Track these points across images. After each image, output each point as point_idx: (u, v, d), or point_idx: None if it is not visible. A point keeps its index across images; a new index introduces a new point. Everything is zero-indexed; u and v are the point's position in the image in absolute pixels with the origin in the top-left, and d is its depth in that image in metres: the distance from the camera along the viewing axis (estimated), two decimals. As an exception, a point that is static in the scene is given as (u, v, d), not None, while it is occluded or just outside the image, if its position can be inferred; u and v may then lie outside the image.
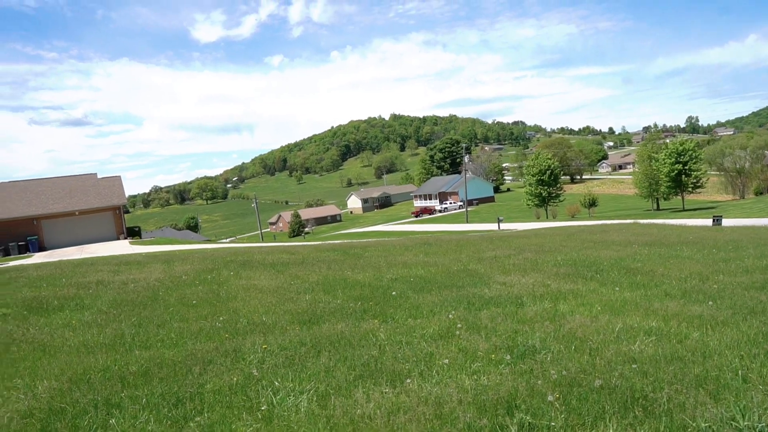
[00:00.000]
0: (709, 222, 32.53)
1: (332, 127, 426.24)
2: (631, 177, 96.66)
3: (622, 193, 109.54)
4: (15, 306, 10.31)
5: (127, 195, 45.36)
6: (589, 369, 5.12)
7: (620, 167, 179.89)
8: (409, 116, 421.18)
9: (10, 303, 10.67)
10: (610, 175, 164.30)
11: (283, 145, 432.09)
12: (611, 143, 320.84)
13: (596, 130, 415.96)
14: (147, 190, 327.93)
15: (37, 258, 29.83)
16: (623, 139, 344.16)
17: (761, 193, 73.77)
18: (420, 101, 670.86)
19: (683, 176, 66.93)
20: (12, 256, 35.27)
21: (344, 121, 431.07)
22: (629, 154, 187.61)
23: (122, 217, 42.63)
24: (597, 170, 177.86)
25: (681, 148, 67.61)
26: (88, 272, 15.32)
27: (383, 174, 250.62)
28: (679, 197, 71.09)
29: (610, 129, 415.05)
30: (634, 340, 6.00)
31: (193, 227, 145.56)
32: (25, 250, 37.84)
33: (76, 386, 5.37)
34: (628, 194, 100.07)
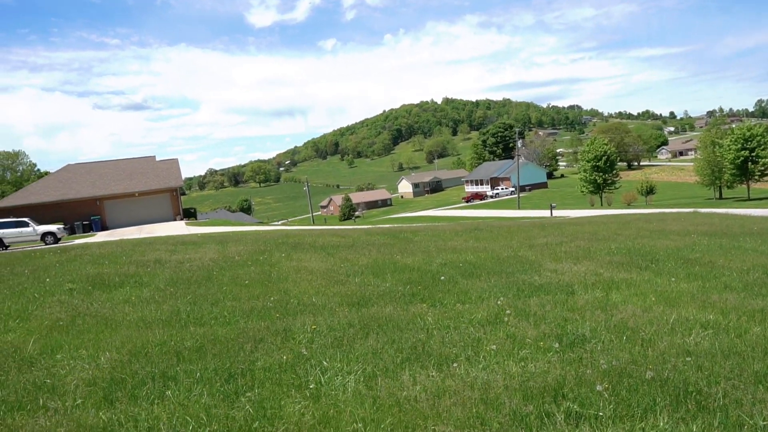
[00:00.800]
0: (776, 212, 30.93)
1: (384, 111, 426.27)
2: (692, 164, 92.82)
3: (682, 180, 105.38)
4: (80, 281, 10.85)
5: (183, 177, 46.81)
6: (640, 360, 5.00)
7: (681, 153, 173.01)
8: (461, 100, 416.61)
9: (76, 278, 11.23)
10: (669, 161, 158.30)
11: (335, 129, 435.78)
12: (672, 128, 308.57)
13: (656, 115, 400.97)
14: (202, 173, 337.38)
15: (100, 237, 31.26)
16: (685, 125, 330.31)
17: (835, 183, 69.47)
18: (473, 85, 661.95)
19: (750, 163, 63.81)
20: (77, 235, 37.08)
21: (396, 105, 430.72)
22: (691, 140, 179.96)
23: (179, 198, 44.07)
24: (656, 156, 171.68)
25: (748, 133, 64.40)
26: (146, 251, 15.95)
27: (434, 158, 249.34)
28: (745, 186, 67.87)
29: (672, 114, 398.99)
30: (690, 333, 5.81)
31: (246, 209, 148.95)
32: (88, 229, 39.70)
33: (135, 359, 5.64)
34: (689, 182, 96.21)
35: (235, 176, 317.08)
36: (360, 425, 3.91)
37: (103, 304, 8.68)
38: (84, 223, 39.79)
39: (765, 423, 3.77)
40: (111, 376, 5.13)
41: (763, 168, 64.21)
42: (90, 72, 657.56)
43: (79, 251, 17.05)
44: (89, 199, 41.03)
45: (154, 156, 48.71)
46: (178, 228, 33.59)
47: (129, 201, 42.43)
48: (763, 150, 63.63)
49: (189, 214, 45.99)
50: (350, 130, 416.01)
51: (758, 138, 63.71)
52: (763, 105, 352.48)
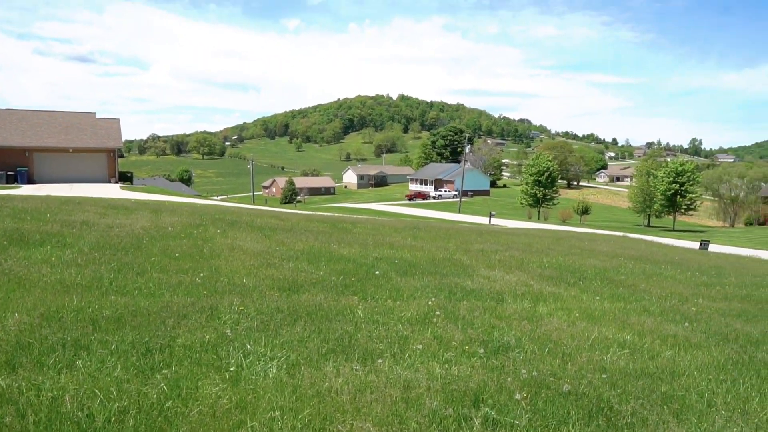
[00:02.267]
0: (696, 245, 32.75)
1: (339, 99, 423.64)
2: (627, 190, 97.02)
3: (616, 204, 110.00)
4: (-4, 235, 10.20)
5: (123, 139, 44.93)
6: (559, 373, 5.15)
7: (618, 179, 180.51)
8: (417, 99, 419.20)
9: (-8, 231, 10.55)
10: (607, 185, 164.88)
11: (288, 110, 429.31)
12: (612, 154, 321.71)
13: (600, 139, 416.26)
14: (144, 137, 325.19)
15: (25, 190, 29.59)
16: (625, 152, 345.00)
17: (751, 224, 74.30)
18: (431, 85, 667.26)
19: (678, 196, 67.31)
20: (0, 185, 34.96)
21: (351, 95, 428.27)
22: (629, 167, 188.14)
23: (116, 160, 42.31)
24: (595, 179, 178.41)
25: (680, 168, 67.91)
26: (74, 211, 15.19)
27: (383, 153, 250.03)
28: (671, 217, 71.50)
29: (614, 140, 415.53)
30: (608, 351, 6.04)
31: (186, 180, 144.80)
32: (13, 180, 37.54)
33: (47, 323, 5.33)
34: (622, 207, 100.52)
35: (178, 145, 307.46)
36: (277, 413, 3.83)
37: (19, 262, 8.17)
38: (9, 173, 37.56)
39: (666, 444, 3.95)
40: (17, 340, 4.82)
41: (689, 202, 67.86)
42: (34, 14, 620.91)
43: (0, 202, 16.05)
44: (17, 149, 38.73)
45: (95, 113, 46.40)
46: (112, 191, 32.22)
47: (62, 156, 40.34)
48: (691, 185, 67.26)
49: (125, 178, 44.21)
50: (302, 113, 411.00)
51: (689, 174, 67.29)
52: (696, 144, 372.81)
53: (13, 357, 4.48)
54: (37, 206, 15.50)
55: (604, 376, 5.15)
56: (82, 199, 20.66)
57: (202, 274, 8.31)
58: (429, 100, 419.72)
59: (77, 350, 4.72)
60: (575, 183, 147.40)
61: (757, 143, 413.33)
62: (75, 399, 3.79)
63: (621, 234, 36.24)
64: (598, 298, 9.44)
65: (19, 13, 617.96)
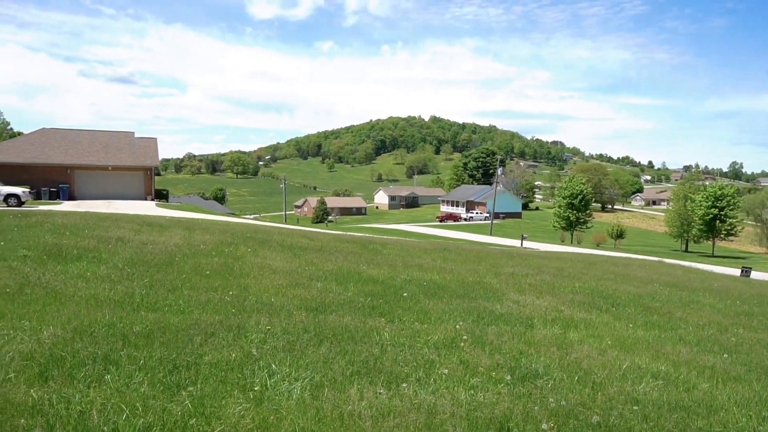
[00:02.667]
0: (737, 272, 31.74)
1: (371, 120, 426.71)
2: (663, 214, 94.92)
3: (652, 229, 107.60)
4: (36, 249, 10.52)
5: (160, 158, 46.06)
6: (588, 403, 5.01)
7: (654, 203, 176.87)
8: (449, 120, 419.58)
9: (32, 246, 10.89)
10: (642, 209, 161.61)
11: (320, 131, 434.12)
12: (648, 177, 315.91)
13: (635, 162, 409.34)
14: (180, 156, 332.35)
15: (66, 206, 30.49)
16: (661, 175, 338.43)
17: (796, 251, 71.73)
18: (462, 107, 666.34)
19: (717, 221, 65.51)
20: (43, 201, 36.13)
21: (384, 116, 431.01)
22: (665, 191, 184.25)
23: (153, 178, 43.32)
24: (630, 202, 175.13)
25: (720, 192, 66.19)
26: (111, 227, 15.58)
27: (414, 174, 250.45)
28: (710, 242, 69.58)
29: (650, 163, 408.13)
30: (640, 381, 5.85)
31: (220, 199, 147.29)
32: (56, 196, 38.73)
33: (79, 337, 5.44)
34: (658, 231, 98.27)
35: (213, 164, 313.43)
36: (299, 435, 3.81)
37: (56, 276, 8.40)
38: (52, 189, 38.78)
39: (701, 481, 3.79)
40: (50, 353, 4.94)
41: (729, 227, 65.96)
42: (80, 38, 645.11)
43: (41, 218, 16.57)
44: (60, 166, 40.02)
45: (134, 132, 47.82)
46: (148, 208, 32.96)
47: (101, 174, 41.52)
48: (731, 210, 65.41)
49: (161, 196, 45.22)
50: (335, 134, 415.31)
51: (728, 198, 65.51)
52: (736, 167, 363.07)
53: (46, 369, 4.58)
54: (76, 222, 15.95)
55: (635, 407, 4.98)
56: (119, 216, 21.18)
57: (231, 293, 8.40)
58: (461, 122, 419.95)
59: (107, 365, 4.79)
60: (610, 206, 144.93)
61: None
62: (102, 413, 3.84)
63: (657, 259, 35.38)
64: (631, 325, 9.19)
65: (66, 37, 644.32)
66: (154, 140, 47.02)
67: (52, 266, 9.20)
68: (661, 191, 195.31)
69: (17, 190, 29.20)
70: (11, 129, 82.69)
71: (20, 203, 28.37)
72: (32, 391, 4.11)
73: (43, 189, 38.18)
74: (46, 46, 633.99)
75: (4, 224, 14.27)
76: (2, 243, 10.99)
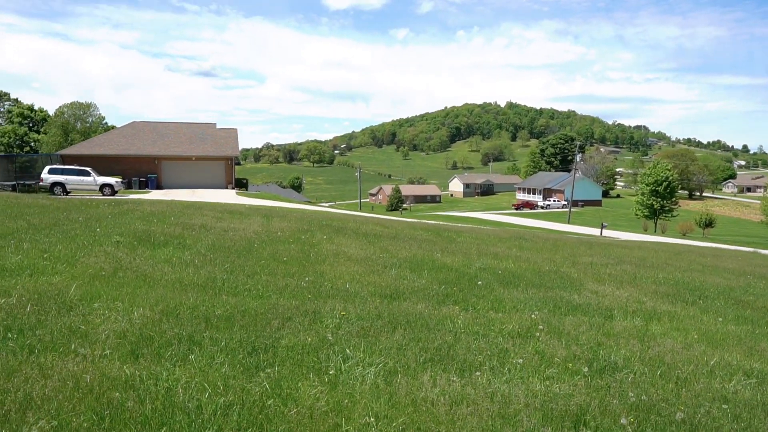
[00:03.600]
0: (843, 264, 29.22)
1: (446, 107, 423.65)
2: (759, 202, 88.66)
3: (746, 217, 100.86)
4: (127, 235, 11.19)
5: (240, 148, 47.74)
6: (672, 399, 4.78)
7: (749, 189, 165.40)
8: (525, 106, 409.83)
9: (124, 232, 11.60)
10: (735, 196, 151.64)
11: (395, 119, 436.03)
12: (743, 162, 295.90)
13: (728, 146, 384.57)
14: (259, 146, 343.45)
15: (154, 195, 32.27)
16: (758, 160, 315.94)
17: None
18: (540, 92, 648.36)
19: (821, 209, 60.46)
20: (133, 190, 38.41)
21: (458, 103, 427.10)
22: (761, 177, 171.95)
23: (233, 168, 45.01)
24: (721, 189, 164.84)
25: (824, 178, 61.04)
26: (194, 215, 16.33)
27: (490, 161, 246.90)
28: (812, 232, 64.41)
29: (744, 147, 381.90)
30: (731, 379, 5.52)
31: (297, 187, 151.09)
32: (144, 186, 41.05)
33: (166, 318, 5.76)
34: (753, 220, 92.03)
35: (290, 153, 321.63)
36: (372, 419, 3.87)
37: (145, 261, 8.92)
38: (141, 179, 41.15)
39: (798, 487, 3.54)
40: (141, 332, 5.26)
41: (835, 216, 60.75)
42: (167, 34, 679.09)
43: (132, 206, 17.61)
44: (149, 157, 42.36)
45: (215, 123, 49.84)
46: (229, 196, 34.32)
47: (186, 164, 43.59)
48: (838, 197, 60.15)
49: (241, 185, 46.92)
50: (409, 122, 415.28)
51: (835, 184, 60.27)
52: None
53: (136, 347, 4.89)
54: (162, 210, 16.84)
55: (725, 406, 4.71)
56: (202, 204, 22.18)
57: (307, 279, 8.61)
58: (538, 107, 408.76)
59: (191, 345, 5.05)
60: (698, 194, 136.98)
61: None
62: (187, 391, 4.06)
63: (751, 250, 33.15)
64: (720, 319, 8.68)
65: (154, 35, 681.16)
66: (234, 131, 48.80)
67: (142, 251, 9.77)
68: (757, 177, 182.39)
69: (111, 180, 31.21)
70: (106, 123, 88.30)
71: (113, 192, 30.32)
72: (125, 367, 4.40)
73: (133, 179, 40.58)
74: (137, 44, 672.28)
75: (100, 212, 15.28)
76: (98, 229, 11.77)
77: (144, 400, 3.87)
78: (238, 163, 48.82)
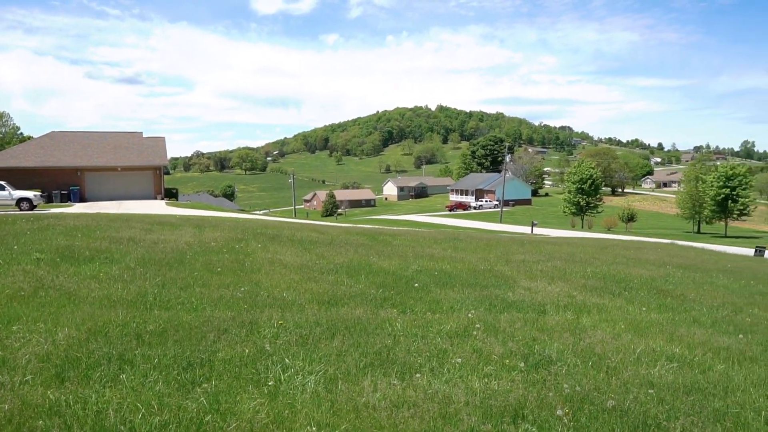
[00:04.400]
0: (750, 252, 31.47)
1: (378, 112, 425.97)
2: (674, 196, 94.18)
3: (664, 211, 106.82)
4: (49, 252, 10.61)
5: (169, 156, 46.29)
6: (603, 388, 4.99)
7: (665, 185, 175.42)
8: (455, 109, 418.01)
9: (45, 249, 10.99)
10: (653, 191, 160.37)
11: (327, 124, 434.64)
12: (659, 159, 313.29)
13: (645, 144, 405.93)
14: (189, 154, 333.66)
15: (77, 208, 30.74)
16: (672, 157, 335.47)
17: (810, 229, 70.99)
18: (469, 95, 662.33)
19: (730, 201, 64.89)
20: (54, 204, 36.44)
21: (390, 107, 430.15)
22: (676, 173, 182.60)
23: (162, 177, 43.55)
24: (640, 185, 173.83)
25: (731, 172, 65.55)
26: (122, 228, 15.68)
27: (422, 164, 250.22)
28: (723, 222, 68.99)
29: (660, 145, 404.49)
30: (655, 364, 5.82)
31: (229, 196, 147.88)
32: (66, 199, 39.04)
33: (94, 338, 5.49)
34: (670, 213, 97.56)
35: (221, 161, 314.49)
36: (314, 429, 3.83)
37: (69, 278, 8.47)
38: (62, 192, 39.10)
39: (719, 463, 3.77)
40: (66, 354, 4.98)
41: (742, 207, 65.33)
42: (86, 40, 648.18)
43: (53, 221, 16.71)
44: (70, 169, 40.32)
45: (141, 132, 48.03)
46: (158, 207, 33.16)
47: (111, 175, 41.80)
48: (743, 190, 64.77)
49: (170, 195, 45.45)
50: (342, 127, 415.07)
51: (740, 178, 64.86)
52: (748, 146, 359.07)
53: (62, 370, 4.63)
54: (87, 224, 16.07)
55: (651, 391, 4.96)
56: (130, 216, 21.33)
57: (243, 289, 8.43)
58: (468, 110, 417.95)
59: (122, 364, 4.83)
60: (620, 190, 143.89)
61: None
62: (118, 413, 3.88)
63: (669, 241, 35.13)
64: (644, 309, 9.14)
65: (73, 39, 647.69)
66: (162, 139, 47.22)
67: (65, 268, 9.28)
68: (672, 173, 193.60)
69: (29, 194, 29.45)
70: (21, 134, 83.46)
71: (32, 207, 28.63)
72: (49, 392, 4.16)
73: (54, 192, 38.51)
74: (54, 50, 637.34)
75: (17, 228, 14.41)
76: (16, 246, 11.10)
77: (71, 426, 3.67)
78: (167, 173, 47.31)
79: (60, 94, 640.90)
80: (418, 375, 5.01)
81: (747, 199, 65.61)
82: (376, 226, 33.90)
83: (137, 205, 34.69)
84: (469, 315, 7.59)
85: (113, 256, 10.79)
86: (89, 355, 5.00)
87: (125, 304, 7.04)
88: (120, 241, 12.74)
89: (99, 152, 43.00)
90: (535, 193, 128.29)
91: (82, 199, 39.74)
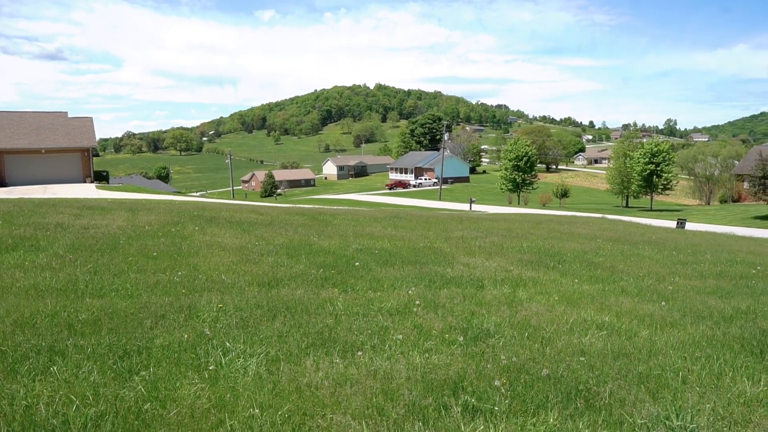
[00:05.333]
0: (673, 224, 33.27)
1: (316, 90, 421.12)
2: (605, 172, 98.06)
3: (595, 187, 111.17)
4: (-33, 240, 9.99)
5: (98, 138, 44.22)
6: (538, 357, 5.20)
7: (596, 161, 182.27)
8: (394, 88, 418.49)
9: (-37, 237, 10.34)
10: (585, 168, 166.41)
11: (264, 103, 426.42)
12: (590, 137, 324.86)
13: (577, 123, 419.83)
14: (120, 135, 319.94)
15: (-2, 193, 29.01)
16: (602, 134, 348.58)
17: (725, 201, 75.58)
18: (408, 74, 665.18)
19: (654, 177, 68.10)
20: (-29, 189, 34.23)
21: (328, 86, 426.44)
22: (606, 150, 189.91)
23: (90, 160, 41.62)
24: (573, 162, 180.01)
25: (656, 149, 68.67)
26: (48, 213, 14.93)
27: (362, 143, 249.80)
28: (648, 197, 72.45)
29: (591, 123, 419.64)
30: (586, 333, 6.11)
31: (164, 177, 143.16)
32: (-15, 183, 36.75)
33: (20, 330, 5.24)
34: (600, 189, 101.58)
35: (154, 142, 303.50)
36: (257, 411, 3.82)
37: (-9, 268, 8.02)
38: (-20, 177, 36.79)
39: (643, 422, 4.02)
40: (-10, 347, 4.74)
41: (665, 182, 68.74)
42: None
43: (-29, 207, 15.71)
44: (-13, 152, 37.93)
45: (66, 112, 45.52)
46: (87, 191, 31.72)
47: (34, 157, 39.57)
48: (667, 165, 68.09)
49: (100, 178, 43.55)
50: (279, 106, 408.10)
51: (663, 154, 68.09)
52: (671, 124, 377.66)
53: (-15, 366, 4.40)
54: (9, 210, 15.20)
55: (582, 358, 5.21)
56: (57, 200, 20.32)
57: (180, 273, 8.23)
58: (406, 89, 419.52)
59: (52, 356, 4.65)
60: (554, 167, 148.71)
61: (729, 122, 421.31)
62: (50, 406, 3.74)
63: (600, 216, 36.65)
64: (577, 281, 9.54)
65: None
66: (89, 119, 44.98)
67: (-13, 257, 8.77)
68: (602, 150, 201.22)
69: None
70: (-70, 114, 77.46)
71: (-53, 193, 26.82)
72: (-27, 388, 3.96)
73: (-30, 176, 36.18)
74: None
75: (-70, 216, 13.47)
76: (-71, 236, 10.40)
77: (-1, 421, 3.51)
78: (97, 155, 45.17)
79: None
80: (360, 353, 5.07)
81: (670, 175, 69.04)
82: (316, 206, 33.71)
83: (64, 189, 33.07)
84: (410, 292, 7.71)
85: (39, 243, 10.28)
86: (15, 348, 4.78)
87: (54, 293, 6.75)
88: (47, 228, 12.13)
89: (20, 133, 40.55)
90: (473, 170, 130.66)
91: (2, 184, 37.51)
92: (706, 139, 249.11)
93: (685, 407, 4.26)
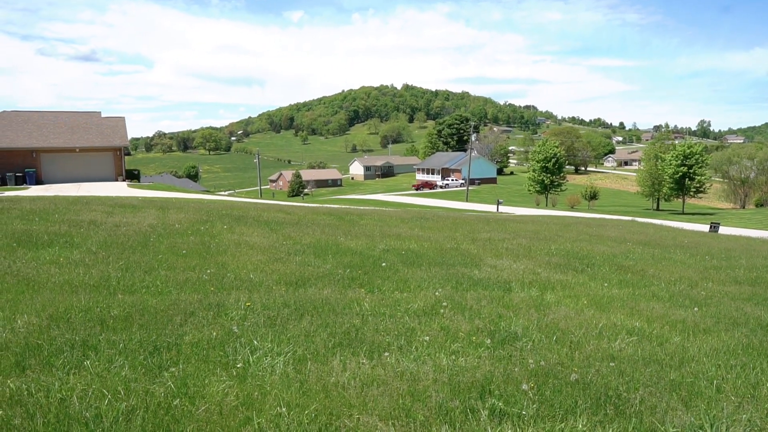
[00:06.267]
0: (706, 228, 32.53)
1: (343, 91, 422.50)
2: (635, 174, 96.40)
3: (625, 189, 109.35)
4: (4, 237, 10.27)
5: (129, 137, 45.08)
6: (567, 362, 5.13)
7: (626, 163, 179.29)
8: (421, 88, 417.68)
9: (0, 234, 10.63)
10: (614, 170, 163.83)
11: (292, 103, 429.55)
12: (620, 138, 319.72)
13: (607, 124, 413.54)
14: (150, 135, 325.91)
15: (33, 191, 29.81)
16: (633, 136, 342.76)
17: (762, 205, 73.73)
18: (435, 74, 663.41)
19: (687, 179, 66.80)
20: (8, 187, 35.24)
21: (356, 86, 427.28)
22: (636, 151, 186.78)
23: (123, 158, 42.48)
24: (602, 164, 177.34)
25: (688, 151, 67.35)
26: (81, 210, 15.28)
27: (388, 143, 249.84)
28: (680, 200, 71.04)
29: (621, 124, 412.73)
30: (616, 338, 6.01)
31: (193, 176, 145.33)
32: (22, 181, 37.77)
33: (55, 324, 5.37)
34: (630, 191, 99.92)
35: (184, 141, 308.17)
36: (284, 409, 3.84)
37: (28, 264, 8.23)
38: (17, 174, 37.76)
39: (675, 430, 3.93)
40: (26, 342, 4.86)
41: (698, 185, 67.36)
42: (37, 15, 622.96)
43: (8, 204, 16.16)
44: (25, 150, 38.94)
45: (100, 112, 46.58)
46: (119, 189, 32.39)
47: (69, 156, 40.53)
48: (700, 168, 66.71)
49: (132, 176, 44.38)
50: (307, 106, 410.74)
51: (697, 156, 66.74)
52: (704, 126, 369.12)
53: (22, 359, 4.52)
54: (45, 207, 15.60)
55: (612, 364, 5.12)
56: (90, 198, 20.78)
57: (209, 271, 8.34)
58: (434, 89, 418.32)
59: (85, 350, 4.75)
60: (583, 168, 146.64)
61: (766, 123, 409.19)
62: (83, 399, 3.82)
63: (630, 219, 36.05)
64: (606, 284, 9.39)
65: (21, 14, 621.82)
66: (122, 119, 45.92)
67: (23, 253, 9.01)
68: (633, 152, 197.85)
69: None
70: (-30, 113, 79.95)
71: (-14, 190, 27.63)
72: (9, 381, 4.06)
73: (8, 174, 37.19)
74: (1, 24, 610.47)
75: (-30, 212, 13.89)
76: (-31, 231, 10.72)
77: (34, 415, 3.60)
78: (128, 154, 46.07)
79: (9, 72, 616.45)
80: (386, 354, 5.06)
81: (703, 177, 67.66)
82: (343, 206, 33.83)
83: (97, 187, 33.81)
84: (437, 293, 7.68)
85: (73, 240, 10.52)
86: (51, 342, 4.89)
87: (87, 289, 6.90)
88: (80, 225, 12.41)
89: (55, 133, 41.59)
90: (500, 171, 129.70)
91: (39, 182, 38.50)
92: (742, 141, 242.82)
93: (720, 417, 4.14)
